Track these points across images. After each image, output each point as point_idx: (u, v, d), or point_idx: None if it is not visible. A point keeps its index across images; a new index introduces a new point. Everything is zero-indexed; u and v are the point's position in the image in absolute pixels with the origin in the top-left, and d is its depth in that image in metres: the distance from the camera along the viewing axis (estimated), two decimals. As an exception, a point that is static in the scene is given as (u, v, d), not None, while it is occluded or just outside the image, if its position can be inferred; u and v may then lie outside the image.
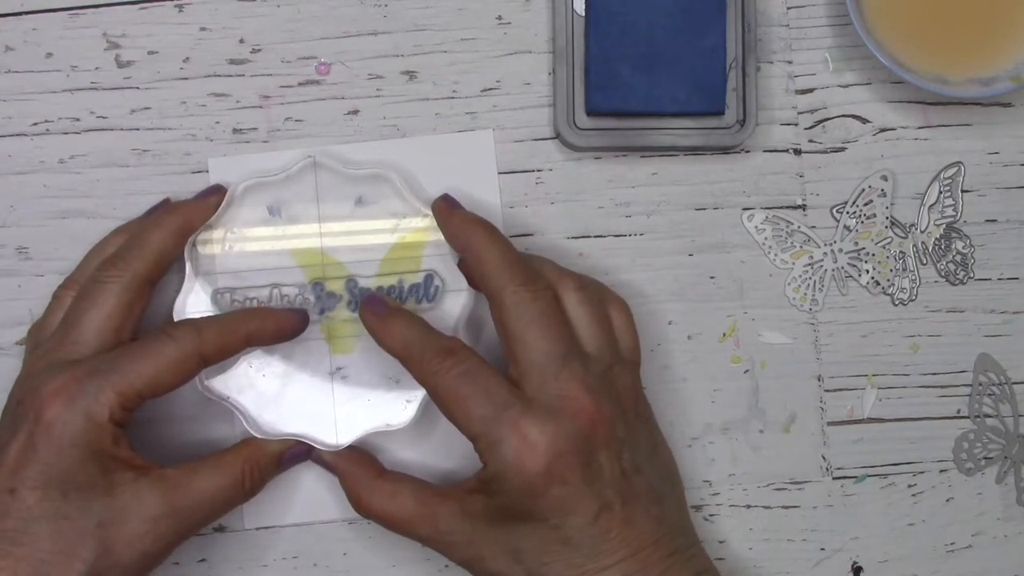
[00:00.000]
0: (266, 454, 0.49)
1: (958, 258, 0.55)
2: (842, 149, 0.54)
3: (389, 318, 0.47)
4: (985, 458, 0.55)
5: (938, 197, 0.55)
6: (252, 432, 0.50)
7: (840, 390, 0.54)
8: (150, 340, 0.46)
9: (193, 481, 0.46)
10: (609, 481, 0.44)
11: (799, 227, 0.54)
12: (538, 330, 0.45)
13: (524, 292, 0.46)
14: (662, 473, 0.47)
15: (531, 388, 0.45)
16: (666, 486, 0.47)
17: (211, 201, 0.50)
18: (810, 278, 0.54)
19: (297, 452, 0.50)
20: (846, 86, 0.54)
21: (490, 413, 0.44)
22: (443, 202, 0.50)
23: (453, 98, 0.53)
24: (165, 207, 0.51)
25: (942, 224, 0.55)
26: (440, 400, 0.45)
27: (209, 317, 0.48)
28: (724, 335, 0.54)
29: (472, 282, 0.50)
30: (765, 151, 0.54)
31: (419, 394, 0.50)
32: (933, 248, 0.55)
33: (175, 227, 0.49)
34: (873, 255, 0.54)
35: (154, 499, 0.45)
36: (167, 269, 0.49)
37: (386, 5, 0.53)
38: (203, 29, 0.53)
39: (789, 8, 0.54)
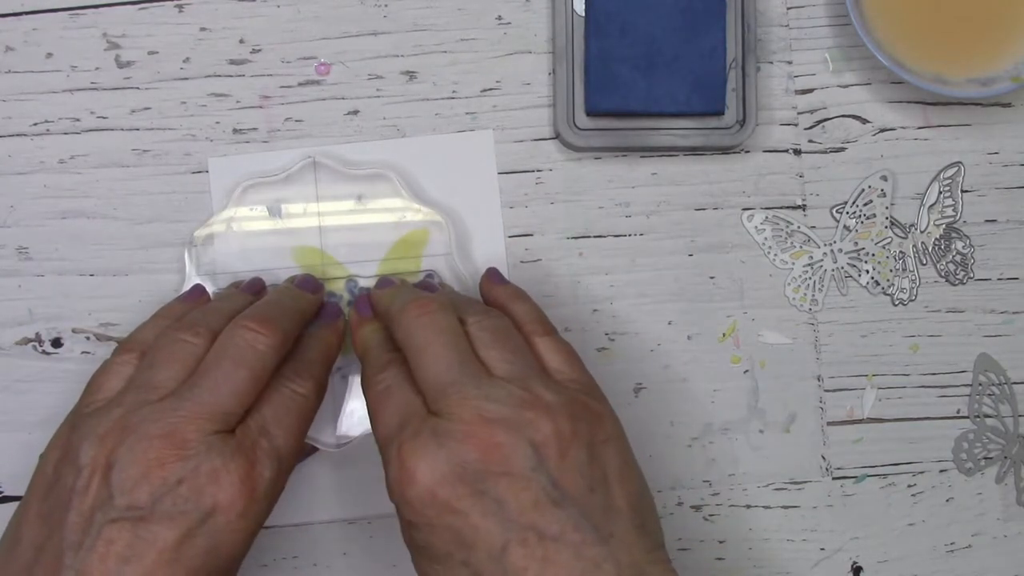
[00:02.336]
0: None
1: (958, 258, 0.55)
2: (842, 149, 0.54)
3: (361, 324, 0.48)
4: (985, 458, 0.55)
5: (938, 197, 0.55)
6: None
7: (840, 390, 0.54)
8: (293, 404, 0.44)
9: None
10: (515, 513, 0.39)
11: (799, 227, 0.54)
12: (432, 351, 0.43)
13: (420, 314, 0.44)
14: (615, 506, 0.41)
15: (433, 409, 0.42)
16: (617, 522, 0.41)
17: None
18: (810, 278, 0.54)
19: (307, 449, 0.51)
20: (846, 86, 0.54)
21: (391, 432, 0.42)
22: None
23: (453, 98, 0.53)
24: (301, 293, 0.49)
25: (942, 224, 0.55)
26: (368, 413, 0.45)
27: (313, 362, 0.46)
28: (724, 335, 0.54)
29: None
30: (765, 151, 0.54)
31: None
32: (933, 248, 0.55)
33: (312, 309, 0.49)
34: (873, 255, 0.54)
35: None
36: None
37: (386, 5, 0.53)
38: (203, 29, 0.53)
39: (789, 8, 0.54)
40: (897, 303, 0.55)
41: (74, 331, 0.53)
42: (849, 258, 0.54)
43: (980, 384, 0.55)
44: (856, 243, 0.54)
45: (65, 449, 0.42)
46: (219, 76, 0.53)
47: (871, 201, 0.54)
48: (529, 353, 0.44)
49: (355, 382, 0.51)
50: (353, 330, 0.48)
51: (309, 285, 0.50)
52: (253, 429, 0.42)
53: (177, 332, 0.44)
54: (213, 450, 0.41)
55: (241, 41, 0.53)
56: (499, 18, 0.54)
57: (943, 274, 0.55)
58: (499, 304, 0.48)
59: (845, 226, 0.54)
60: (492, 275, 0.50)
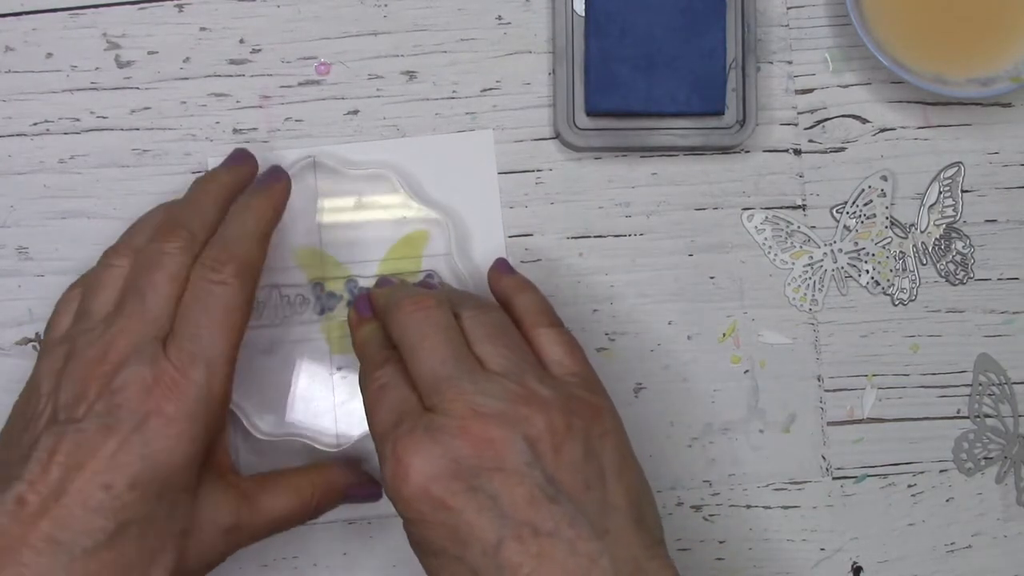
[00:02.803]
0: (335, 486, 0.49)
1: (958, 258, 0.55)
2: (842, 149, 0.54)
3: (360, 323, 0.47)
4: (985, 458, 0.55)
5: (938, 197, 0.55)
6: (252, 432, 0.50)
7: (840, 390, 0.54)
8: (212, 298, 0.43)
9: (264, 498, 0.46)
10: (510, 509, 0.39)
11: (799, 227, 0.54)
12: (426, 347, 0.43)
13: (414, 310, 0.44)
14: (612, 502, 0.41)
15: (427, 405, 0.42)
16: (614, 518, 0.41)
17: (249, 171, 0.49)
18: (810, 278, 0.54)
19: (363, 493, 0.50)
20: (846, 86, 0.54)
21: (387, 429, 0.42)
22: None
23: (453, 98, 0.53)
24: (209, 179, 0.48)
25: (942, 224, 0.55)
26: (365, 410, 0.44)
27: (231, 240, 0.45)
28: (724, 335, 0.54)
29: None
30: (765, 151, 0.54)
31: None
32: (933, 248, 0.55)
33: (225, 193, 0.47)
34: (873, 255, 0.54)
35: (228, 510, 0.44)
36: None
37: (386, 5, 0.53)
38: (203, 29, 0.53)
39: (789, 8, 0.54)
40: (897, 303, 0.55)
41: (74, 331, 0.53)
42: (849, 258, 0.54)
43: (980, 384, 0.55)
44: (856, 243, 0.54)
45: (30, 386, 0.44)
46: (219, 76, 0.53)
47: (871, 201, 0.54)
48: (525, 347, 0.44)
49: (355, 382, 0.51)
50: (352, 329, 0.48)
51: (238, 159, 0.49)
52: (178, 334, 0.43)
53: (106, 259, 0.46)
54: (142, 360, 0.42)
55: (241, 41, 0.53)
56: (499, 18, 0.54)
57: (943, 274, 0.55)
58: (505, 295, 0.48)
59: (845, 226, 0.54)
60: (500, 265, 0.50)
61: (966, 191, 0.55)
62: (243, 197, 0.47)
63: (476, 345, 0.43)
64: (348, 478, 0.49)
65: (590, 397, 0.43)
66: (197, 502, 0.43)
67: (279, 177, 0.48)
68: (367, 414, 0.44)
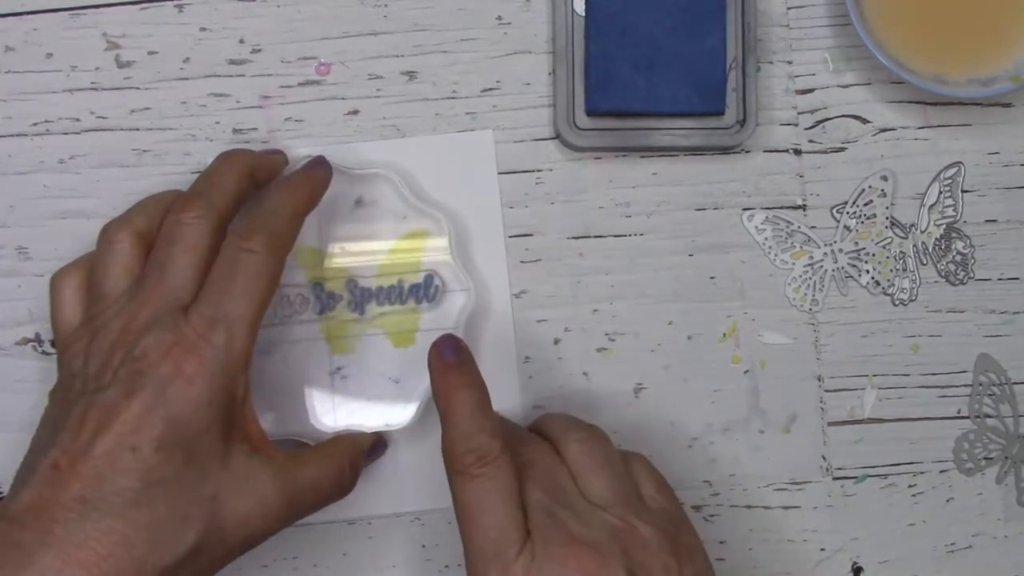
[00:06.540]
0: (358, 449, 0.49)
1: (958, 258, 0.55)
2: (842, 149, 0.54)
3: (450, 372, 0.44)
4: (985, 458, 0.55)
5: (938, 197, 0.55)
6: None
7: (840, 390, 0.54)
8: (238, 265, 0.44)
9: (301, 468, 0.46)
10: None
11: (799, 227, 0.54)
12: (534, 475, 0.43)
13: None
14: None
15: (530, 527, 0.42)
16: None
17: (277, 159, 0.50)
18: (810, 278, 0.54)
19: (379, 448, 0.51)
20: (846, 86, 0.55)
21: (488, 548, 0.41)
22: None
23: (453, 98, 0.53)
24: (231, 153, 0.49)
25: (942, 224, 0.55)
26: (455, 504, 0.43)
27: (265, 212, 0.46)
28: (724, 335, 0.54)
29: None
30: (765, 151, 0.54)
31: (419, 395, 0.51)
32: (933, 248, 0.55)
33: (246, 170, 0.48)
34: (873, 255, 0.54)
35: (266, 479, 0.44)
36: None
37: (386, 5, 0.53)
38: (203, 29, 0.53)
39: (789, 8, 0.54)
40: (897, 303, 0.55)
41: (74, 331, 0.53)
42: (849, 258, 0.54)
43: (980, 384, 0.55)
44: (856, 243, 0.54)
45: (63, 373, 0.45)
46: (219, 76, 0.53)
47: (871, 201, 0.54)
48: (628, 478, 0.45)
49: (355, 382, 0.51)
50: (436, 381, 0.44)
51: (270, 150, 0.51)
52: (201, 300, 0.44)
53: (106, 237, 0.46)
54: (164, 326, 0.43)
55: (241, 41, 0.53)
56: (499, 18, 0.54)
57: (943, 274, 0.55)
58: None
59: (845, 226, 0.54)
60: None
61: (966, 191, 0.55)
62: (281, 177, 0.49)
63: (580, 476, 0.44)
64: (366, 439, 0.50)
65: (686, 537, 0.44)
66: (230, 470, 0.43)
67: (321, 163, 0.50)
68: (463, 514, 0.42)
